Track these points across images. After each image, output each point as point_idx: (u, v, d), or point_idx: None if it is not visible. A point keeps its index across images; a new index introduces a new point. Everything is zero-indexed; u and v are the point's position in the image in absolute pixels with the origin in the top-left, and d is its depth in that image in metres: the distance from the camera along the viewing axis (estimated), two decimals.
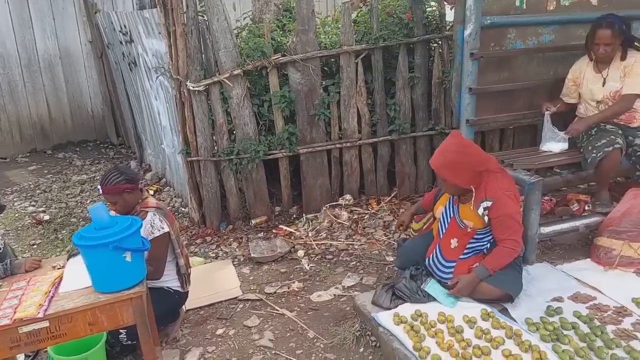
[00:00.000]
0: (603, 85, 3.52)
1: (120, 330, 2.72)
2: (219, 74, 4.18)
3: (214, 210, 4.51)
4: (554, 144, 3.65)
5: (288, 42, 4.28)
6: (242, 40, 4.46)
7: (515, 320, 2.78)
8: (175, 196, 5.35)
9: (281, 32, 4.60)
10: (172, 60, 4.17)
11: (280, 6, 5.09)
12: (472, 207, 2.86)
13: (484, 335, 2.63)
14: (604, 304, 2.90)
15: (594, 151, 3.35)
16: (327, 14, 6.23)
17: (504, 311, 2.87)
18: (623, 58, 3.47)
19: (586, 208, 3.88)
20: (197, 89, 4.15)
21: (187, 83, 4.14)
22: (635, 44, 3.50)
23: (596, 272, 3.22)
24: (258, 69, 4.25)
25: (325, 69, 4.53)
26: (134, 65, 5.82)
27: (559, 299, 2.96)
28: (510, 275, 2.92)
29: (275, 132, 4.42)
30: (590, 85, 3.58)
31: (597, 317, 2.77)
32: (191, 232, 4.53)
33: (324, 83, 4.42)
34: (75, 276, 2.46)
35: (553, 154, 3.64)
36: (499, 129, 4.60)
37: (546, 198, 4.15)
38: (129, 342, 2.79)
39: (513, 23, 3.73)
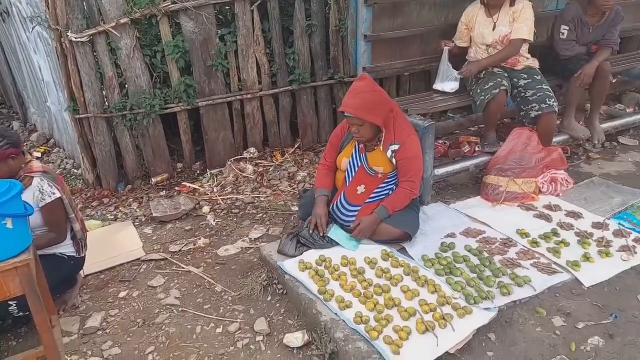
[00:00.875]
0: (493, 30, 3.68)
1: (10, 302, 2.55)
2: (104, 23, 3.87)
3: (109, 170, 4.28)
4: (447, 83, 3.78)
5: None
6: None
7: (412, 258, 2.93)
8: (66, 157, 5.00)
9: None
10: (48, 9, 3.79)
11: None
12: (382, 149, 2.95)
13: (384, 274, 2.76)
14: (492, 236, 3.13)
15: (482, 94, 3.53)
16: None
17: (403, 250, 3.02)
18: (512, 4, 3.63)
19: (476, 149, 4.13)
20: (79, 39, 3.82)
21: (68, 34, 3.80)
22: None
23: (485, 208, 3.46)
24: (147, 17, 3.98)
25: (220, 17, 4.33)
26: (6, 14, 5.24)
27: (452, 235, 3.16)
28: (408, 215, 3.06)
29: (171, 84, 4.21)
30: (481, 29, 3.72)
31: (485, 249, 3.00)
32: (86, 194, 4.28)
33: (219, 32, 4.24)
34: None
35: (445, 99, 3.79)
36: (395, 76, 4.70)
37: (440, 141, 4.35)
38: (21, 313, 2.62)
39: None
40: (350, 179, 3.09)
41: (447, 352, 2.29)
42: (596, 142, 4.19)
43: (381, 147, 2.96)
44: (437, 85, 3.82)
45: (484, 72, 3.67)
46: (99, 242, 3.49)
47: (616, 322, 2.47)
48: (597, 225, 3.19)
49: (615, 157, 4.21)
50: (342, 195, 3.12)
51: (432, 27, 4.04)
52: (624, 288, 2.70)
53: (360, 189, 3.07)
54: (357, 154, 3.07)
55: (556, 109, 3.58)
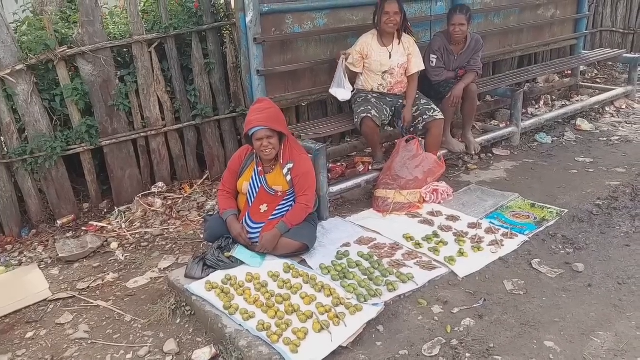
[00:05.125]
0: (390, 58, 4.12)
1: None
2: None
3: (11, 217, 4.23)
4: (340, 90, 4.08)
5: (74, 34, 4.15)
6: (22, 34, 4.21)
7: (311, 268, 3.19)
8: None
9: (66, 24, 4.43)
10: None
11: None
12: (281, 164, 3.29)
13: (285, 285, 2.99)
14: (382, 242, 3.47)
15: (356, 116, 4.03)
16: (115, 4, 6.07)
17: (303, 262, 3.28)
18: (399, 38, 4.14)
19: (370, 168, 4.51)
20: None
21: None
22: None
23: (376, 219, 3.82)
24: (44, 62, 4.07)
25: (119, 59, 4.49)
26: None
27: (347, 245, 3.46)
28: (305, 229, 3.36)
29: (73, 126, 4.28)
30: (378, 57, 4.13)
31: (376, 253, 3.33)
32: None
33: (119, 73, 4.38)
34: None
35: (337, 124, 4.17)
36: (294, 107, 5.03)
37: (339, 164, 4.71)
38: None
39: (289, 9, 4.14)
40: (253, 200, 3.36)
41: (341, 346, 2.55)
42: (472, 152, 4.73)
43: (281, 161, 3.28)
44: (332, 91, 4.11)
45: (362, 97, 4.09)
46: (3, 288, 3.47)
47: (485, 305, 2.85)
48: (472, 225, 3.62)
49: (490, 166, 4.77)
50: (246, 216, 3.38)
51: (320, 61, 4.43)
52: (492, 276, 3.10)
53: (263, 207, 3.36)
54: (257, 176, 3.35)
55: (438, 117, 4.10)
